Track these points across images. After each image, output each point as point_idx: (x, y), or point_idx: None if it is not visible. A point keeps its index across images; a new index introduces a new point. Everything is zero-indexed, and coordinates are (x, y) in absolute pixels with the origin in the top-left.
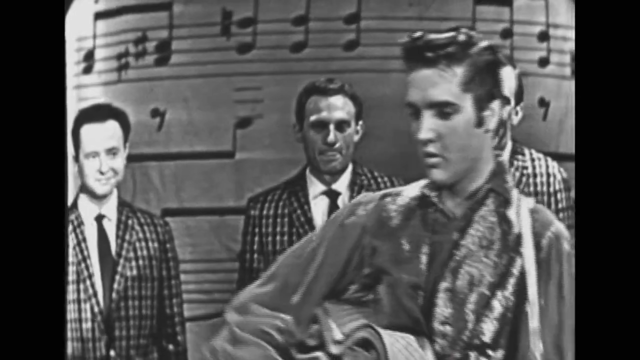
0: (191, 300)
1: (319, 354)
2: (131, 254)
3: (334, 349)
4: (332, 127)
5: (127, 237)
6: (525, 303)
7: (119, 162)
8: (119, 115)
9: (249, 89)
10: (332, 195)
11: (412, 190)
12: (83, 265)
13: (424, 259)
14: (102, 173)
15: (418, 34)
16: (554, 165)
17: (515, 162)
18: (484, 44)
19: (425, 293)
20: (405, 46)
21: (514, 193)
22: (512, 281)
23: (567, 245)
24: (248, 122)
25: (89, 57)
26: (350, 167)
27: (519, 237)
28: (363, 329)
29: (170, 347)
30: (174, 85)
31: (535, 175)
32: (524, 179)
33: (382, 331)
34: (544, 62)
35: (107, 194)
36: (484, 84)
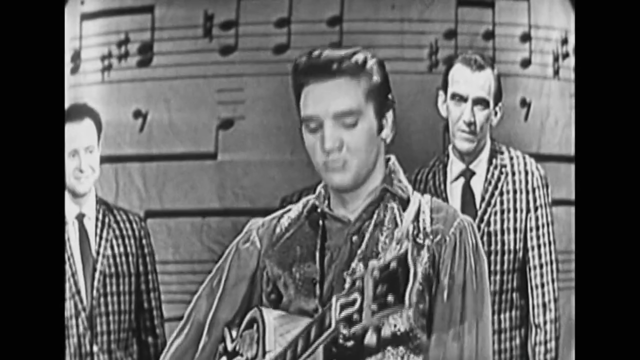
0: (174, 300)
1: (223, 359)
2: (109, 251)
3: (230, 347)
4: None
5: (104, 234)
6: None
7: (96, 159)
8: (93, 114)
9: (231, 90)
10: None
11: (302, 204)
12: (67, 263)
13: (317, 260)
14: (81, 171)
15: (316, 51)
16: (531, 162)
17: (494, 161)
18: (374, 59)
19: (320, 286)
20: (303, 62)
21: (411, 192)
22: (418, 276)
23: (472, 239)
24: (230, 124)
25: (76, 57)
26: None
27: (418, 235)
28: (251, 312)
29: (150, 339)
30: (156, 87)
31: (513, 173)
32: (502, 177)
33: (264, 309)
34: (525, 63)
35: (87, 192)
36: (381, 93)
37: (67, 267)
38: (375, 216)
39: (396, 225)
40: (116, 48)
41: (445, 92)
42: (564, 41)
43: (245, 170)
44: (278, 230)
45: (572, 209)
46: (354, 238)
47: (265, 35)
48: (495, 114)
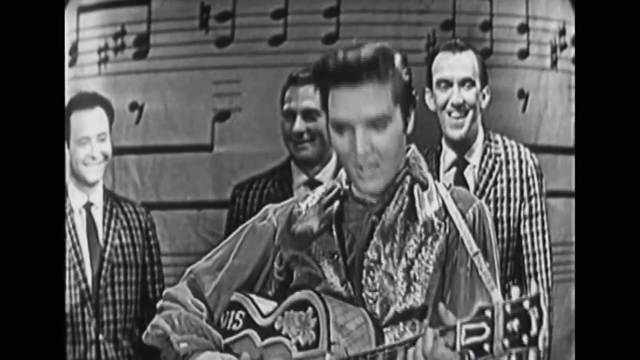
0: None
1: (248, 331)
2: (116, 241)
3: (261, 322)
4: (299, 116)
5: (112, 224)
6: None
7: (108, 146)
8: (104, 103)
9: (228, 82)
10: (315, 185)
11: (325, 188)
12: (73, 251)
13: (335, 236)
14: (93, 158)
15: (339, 53)
16: (526, 152)
17: (489, 149)
18: (399, 57)
19: (343, 260)
20: (326, 65)
21: (429, 177)
22: (433, 254)
23: (489, 222)
24: (226, 115)
25: (73, 50)
26: (334, 158)
27: (438, 213)
28: (300, 293)
29: None
30: (153, 79)
31: (508, 162)
32: (497, 166)
33: (323, 295)
34: (523, 54)
35: (97, 181)
36: (407, 95)
37: (72, 255)
38: (396, 197)
39: (415, 207)
40: (112, 40)
41: (431, 87)
42: (562, 32)
43: (242, 162)
44: (296, 211)
45: (570, 201)
46: (374, 218)
47: (262, 26)
48: (484, 96)
